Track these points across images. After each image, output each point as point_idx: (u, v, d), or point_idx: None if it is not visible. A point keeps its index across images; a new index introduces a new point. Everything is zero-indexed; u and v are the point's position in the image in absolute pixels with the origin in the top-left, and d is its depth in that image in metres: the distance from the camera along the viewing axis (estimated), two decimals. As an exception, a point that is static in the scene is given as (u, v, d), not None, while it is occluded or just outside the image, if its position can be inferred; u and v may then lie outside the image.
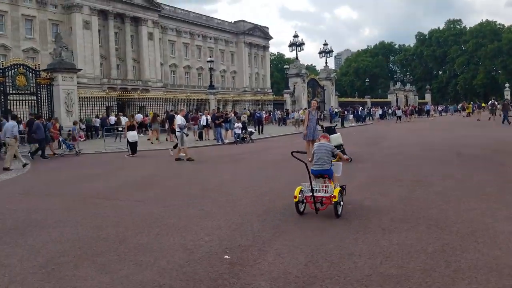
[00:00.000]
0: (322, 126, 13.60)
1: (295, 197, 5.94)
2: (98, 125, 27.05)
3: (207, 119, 21.91)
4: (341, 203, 6.00)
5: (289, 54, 77.18)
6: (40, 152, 15.91)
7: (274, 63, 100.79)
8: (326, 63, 50.49)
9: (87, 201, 7.73)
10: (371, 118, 44.27)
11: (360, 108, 41.84)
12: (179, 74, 70.57)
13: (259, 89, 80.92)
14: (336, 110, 40.52)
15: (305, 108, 38.19)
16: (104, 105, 32.57)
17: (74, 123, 19.44)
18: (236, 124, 20.38)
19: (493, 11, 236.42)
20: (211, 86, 37.71)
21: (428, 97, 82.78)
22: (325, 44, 48.14)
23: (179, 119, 14.23)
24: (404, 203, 6.80)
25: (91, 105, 29.40)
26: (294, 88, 44.71)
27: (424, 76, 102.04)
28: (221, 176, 10.47)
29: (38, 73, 23.23)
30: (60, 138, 17.59)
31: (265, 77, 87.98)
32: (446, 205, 6.61)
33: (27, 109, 23.30)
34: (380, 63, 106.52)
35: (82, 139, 23.06)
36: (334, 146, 7.20)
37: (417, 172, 9.90)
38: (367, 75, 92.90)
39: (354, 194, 7.22)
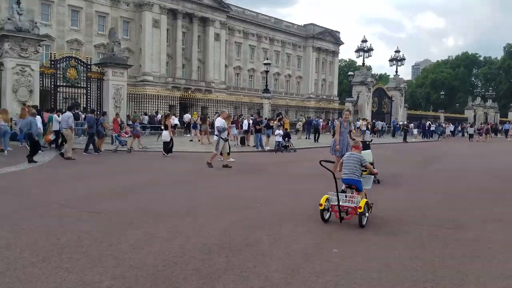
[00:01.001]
0: (353, 139, 11.57)
1: (321, 205, 6.05)
2: (146, 122, 26.71)
3: (248, 124, 20.49)
4: (366, 214, 6.05)
5: (361, 62, 73.79)
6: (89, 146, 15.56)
7: (344, 70, 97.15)
8: (396, 71, 47.24)
9: (45, 208, 6.62)
10: (441, 134, 40.27)
11: (428, 122, 38.17)
12: (243, 76, 70.17)
13: (324, 96, 78.46)
14: (400, 123, 37.26)
15: (364, 119, 35.83)
16: (167, 104, 32.78)
17: (133, 120, 19.44)
18: (277, 131, 18.71)
19: None
20: (266, 90, 36.38)
21: (511, 115, 75.26)
22: (397, 51, 45.02)
23: (218, 122, 12.83)
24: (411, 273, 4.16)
25: (154, 103, 29.77)
26: (358, 97, 42.08)
27: (510, 92, 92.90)
28: (228, 188, 9.22)
29: (89, 67, 23.26)
30: (114, 134, 17.23)
31: (332, 84, 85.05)
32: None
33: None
34: (461, 75, 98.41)
35: (127, 135, 22.83)
36: None
37: (460, 211, 7.28)
38: (445, 88, 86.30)
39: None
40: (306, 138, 30.39)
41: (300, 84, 79.59)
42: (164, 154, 15.40)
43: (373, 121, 41.47)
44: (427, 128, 37.18)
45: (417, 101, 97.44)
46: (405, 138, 31.32)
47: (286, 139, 19.71)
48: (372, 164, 9.35)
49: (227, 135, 13.11)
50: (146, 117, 27.32)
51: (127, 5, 54.85)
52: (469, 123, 47.57)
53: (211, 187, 9.22)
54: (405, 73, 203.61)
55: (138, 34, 55.44)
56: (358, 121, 35.37)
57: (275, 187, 9.31)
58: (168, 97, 33.68)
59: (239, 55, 69.30)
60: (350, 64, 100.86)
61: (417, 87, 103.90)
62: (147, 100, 30.06)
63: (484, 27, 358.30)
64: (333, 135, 12.09)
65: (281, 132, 18.72)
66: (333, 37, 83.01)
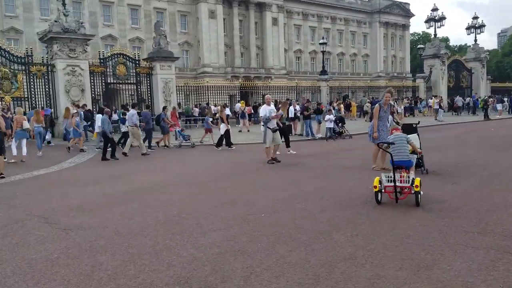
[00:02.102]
0: (398, 123, 9.78)
1: (375, 187, 6.02)
2: (197, 114, 26.29)
3: (295, 110, 18.94)
4: (421, 192, 5.95)
5: (439, 33, 65.67)
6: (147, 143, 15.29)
7: (417, 45, 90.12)
8: (475, 40, 41.90)
9: (21, 223, 5.62)
10: None
11: (517, 95, 33.51)
12: (305, 60, 68.12)
13: (395, 74, 73.78)
14: (482, 98, 33.22)
15: (435, 96, 32.55)
16: (228, 94, 32.56)
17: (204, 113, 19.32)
18: (327, 117, 16.99)
19: None
20: (324, 72, 34.36)
21: None
22: (475, 18, 40.35)
23: (262, 110, 11.13)
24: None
25: (215, 94, 29.54)
26: (431, 72, 38.45)
27: None
28: (236, 190, 7.59)
29: (137, 62, 23.24)
30: (177, 129, 16.74)
31: (403, 60, 79.71)
32: None
33: (128, 98, 23.70)
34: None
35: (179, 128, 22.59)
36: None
37: None
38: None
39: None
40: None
41: (368, 62, 75.66)
42: (216, 147, 14.73)
43: (453, 97, 37.76)
44: (513, 102, 32.69)
45: (505, 72, 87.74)
46: (486, 115, 27.78)
47: (340, 124, 18.03)
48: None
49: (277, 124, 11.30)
50: (197, 109, 26.81)
51: (184, -1, 55.25)
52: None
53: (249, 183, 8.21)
54: (491, 42, 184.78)
55: (195, 27, 55.78)
56: (431, 99, 32.34)
57: (294, 186, 7.69)
58: (228, 86, 33.29)
59: (299, 38, 67.31)
60: (425, 37, 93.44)
61: (504, 57, 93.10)
62: (207, 91, 29.88)
63: None
64: (371, 119, 10.24)
65: (331, 117, 17.05)
66: (402, 10, 77.53)
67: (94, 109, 19.78)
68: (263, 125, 11.05)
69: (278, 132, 11.05)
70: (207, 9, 54.85)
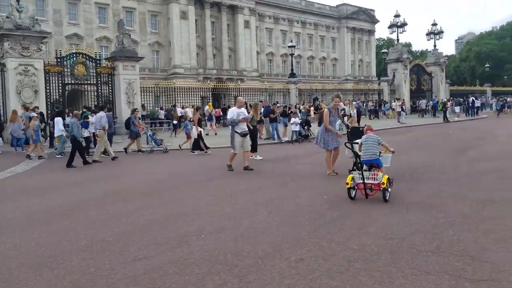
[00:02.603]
0: (347, 126, 9.67)
1: (347, 183, 6.49)
2: (163, 117, 25.54)
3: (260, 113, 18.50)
4: (389, 189, 6.47)
5: (402, 38, 68.02)
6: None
7: (383, 49, 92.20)
8: (434, 45, 43.69)
9: None
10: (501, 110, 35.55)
11: (472, 98, 34.54)
12: (276, 63, 68.25)
13: (362, 77, 75.07)
14: (442, 101, 34.06)
15: (398, 99, 33.01)
16: (199, 95, 31.89)
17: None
18: (293, 120, 16.79)
19: None
20: (292, 74, 34.37)
21: None
22: (434, 24, 41.74)
23: (230, 112, 10.50)
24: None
25: (186, 96, 28.94)
26: (394, 75, 39.29)
27: None
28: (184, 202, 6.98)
29: (98, 62, 22.38)
30: (149, 133, 15.99)
31: (370, 64, 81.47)
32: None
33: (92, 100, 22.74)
34: (507, 46, 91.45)
35: (142, 132, 21.80)
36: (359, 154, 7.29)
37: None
38: (491, 61, 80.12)
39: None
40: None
41: (336, 66, 76.71)
42: (192, 152, 14.30)
43: (415, 100, 38.62)
44: (470, 104, 33.67)
45: (462, 76, 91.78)
46: (445, 118, 28.44)
47: (306, 127, 17.83)
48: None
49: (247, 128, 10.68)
50: (162, 112, 26.04)
51: (154, -2, 54.22)
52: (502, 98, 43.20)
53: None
54: (449, 48, 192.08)
55: (166, 27, 54.85)
56: (394, 101, 32.95)
57: (247, 197, 7.15)
58: (200, 88, 32.64)
59: (271, 41, 67.40)
60: (389, 43, 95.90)
61: (461, 61, 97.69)
62: (179, 93, 29.16)
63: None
64: (319, 123, 9.91)
65: (297, 120, 16.83)
66: (368, 16, 79.38)
67: (49, 112, 18.80)
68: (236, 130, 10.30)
69: (248, 137, 10.42)
70: (179, 9, 53.99)
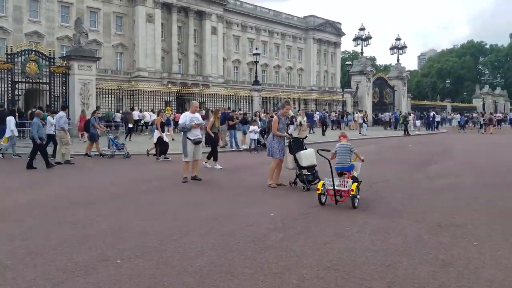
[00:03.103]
0: (291, 135, 9.17)
1: (318, 189, 6.84)
2: (119, 120, 24.52)
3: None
4: (358, 196, 6.86)
5: (367, 52, 70.05)
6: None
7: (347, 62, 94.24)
8: (398, 60, 44.68)
9: None
10: (463, 126, 36.15)
11: (433, 113, 35.39)
12: (243, 70, 68.08)
13: (327, 88, 75.94)
14: (403, 114, 34.60)
15: (360, 110, 33.35)
16: (163, 100, 31.08)
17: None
18: (252, 128, 16.34)
19: None
20: (256, 82, 34.06)
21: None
22: (398, 39, 42.66)
23: (183, 117, 9.75)
24: None
25: (149, 99, 28.23)
26: (357, 87, 39.78)
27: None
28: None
29: (52, 60, 21.24)
30: (110, 136, 15.04)
31: (334, 75, 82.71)
32: None
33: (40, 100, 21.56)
34: (467, 64, 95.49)
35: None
36: (304, 166, 8.16)
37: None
38: (451, 77, 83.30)
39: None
40: (309, 132, 28.22)
41: (302, 76, 77.45)
42: (157, 158, 13.77)
43: (377, 112, 39.28)
44: (431, 118, 34.42)
45: (423, 91, 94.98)
46: (406, 131, 28.83)
47: (266, 135, 17.40)
48: (314, 166, 8.45)
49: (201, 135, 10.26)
50: (118, 115, 24.93)
51: (120, 0, 52.91)
52: (479, 112, 44.76)
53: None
54: (412, 63, 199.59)
55: (131, 29, 53.83)
56: (356, 113, 33.23)
57: (186, 213, 6.45)
58: (164, 92, 31.81)
59: (238, 49, 67.22)
60: (354, 56, 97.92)
61: (423, 77, 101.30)
62: (142, 96, 28.18)
63: (489, 15, 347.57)
64: (267, 132, 9.49)
65: (256, 128, 16.39)
66: (334, 28, 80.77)
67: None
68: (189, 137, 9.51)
69: (200, 145, 9.71)
70: (145, 12, 53.04)
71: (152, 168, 12.30)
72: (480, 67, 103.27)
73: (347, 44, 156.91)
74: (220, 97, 34.22)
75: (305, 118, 23.28)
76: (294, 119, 20.23)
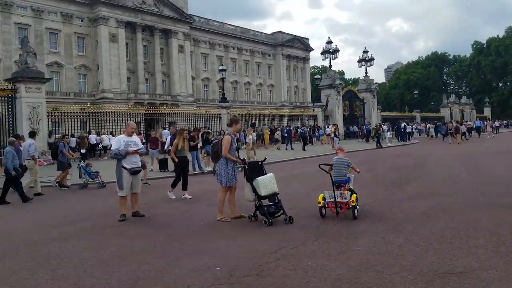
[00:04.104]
0: (244, 161, 7.53)
1: (319, 202, 7.15)
2: (74, 145, 22.64)
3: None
4: (357, 207, 7.16)
5: (335, 67, 69.97)
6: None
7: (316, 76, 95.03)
8: (366, 72, 44.73)
9: None
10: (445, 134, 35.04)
11: (403, 124, 34.95)
12: (212, 88, 67.04)
13: (298, 103, 75.81)
14: (374, 126, 34.08)
15: (333, 124, 32.57)
16: (132, 121, 29.23)
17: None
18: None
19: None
20: (224, 99, 33.03)
21: (487, 111, 74.43)
22: (365, 52, 42.66)
23: (116, 142, 8.23)
24: None
25: (116, 121, 26.74)
26: (327, 101, 39.26)
27: (482, 88, 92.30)
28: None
29: (-5, 84, 19.57)
30: (82, 164, 13.59)
31: (305, 90, 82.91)
32: None
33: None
34: (432, 74, 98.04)
35: (46, 163, 19.09)
36: (265, 196, 7.12)
37: None
38: (418, 88, 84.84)
39: None
40: (286, 148, 27.22)
41: (273, 92, 77.13)
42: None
43: (349, 126, 38.85)
44: (402, 130, 33.95)
45: (392, 103, 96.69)
46: (378, 143, 28.11)
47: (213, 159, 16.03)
48: (277, 194, 7.20)
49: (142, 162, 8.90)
50: (74, 139, 22.99)
51: (81, 20, 51.49)
52: (450, 121, 44.82)
53: None
54: (379, 76, 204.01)
55: (94, 50, 52.19)
56: (327, 127, 32.54)
57: (103, 271, 4.85)
58: (132, 113, 30.19)
59: (207, 66, 66.30)
60: (323, 70, 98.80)
61: (390, 89, 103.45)
62: (108, 118, 26.59)
63: (451, 28, 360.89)
64: (215, 154, 7.64)
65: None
66: (303, 44, 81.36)
67: None
68: (125, 167, 7.90)
69: (139, 175, 8.20)
70: (108, 32, 51.55)
71: (111, 200, 10.12)
72: (445, 77, 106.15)
73: (316, 60, 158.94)
74: (191, 116, 33.15)
75: (250, 136, 21.53)
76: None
